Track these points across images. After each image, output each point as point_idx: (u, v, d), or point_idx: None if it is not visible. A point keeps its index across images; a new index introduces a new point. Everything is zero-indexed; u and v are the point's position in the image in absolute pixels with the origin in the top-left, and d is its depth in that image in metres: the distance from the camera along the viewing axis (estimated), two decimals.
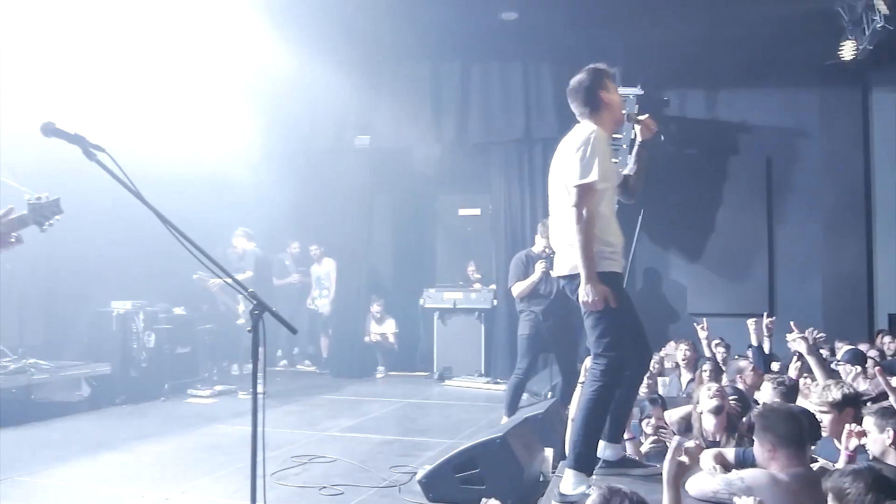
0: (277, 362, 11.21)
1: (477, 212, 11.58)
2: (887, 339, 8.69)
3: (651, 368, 6.52)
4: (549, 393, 8.31)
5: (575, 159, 3.90)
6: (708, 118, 10.87)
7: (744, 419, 4.34)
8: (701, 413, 4.47)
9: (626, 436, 4.49)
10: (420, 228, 11.77)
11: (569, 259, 4.01)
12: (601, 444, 4.07)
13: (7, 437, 6.67)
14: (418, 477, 4.85)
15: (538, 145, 10.47)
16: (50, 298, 10.44)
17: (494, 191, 10.71)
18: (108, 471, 5.53)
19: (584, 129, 4.07)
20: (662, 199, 10.00)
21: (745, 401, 4.69)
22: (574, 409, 4.59)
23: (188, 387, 9.06)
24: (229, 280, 2.98)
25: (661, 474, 3.02)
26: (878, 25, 8.59)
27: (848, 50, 9.38)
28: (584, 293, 3.77)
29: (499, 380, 9.79)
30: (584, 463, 3.84)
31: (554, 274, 4.27)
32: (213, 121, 9.62)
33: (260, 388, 8.71)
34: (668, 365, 7.89)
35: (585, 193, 3.85)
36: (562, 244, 4.05)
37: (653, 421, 5.07)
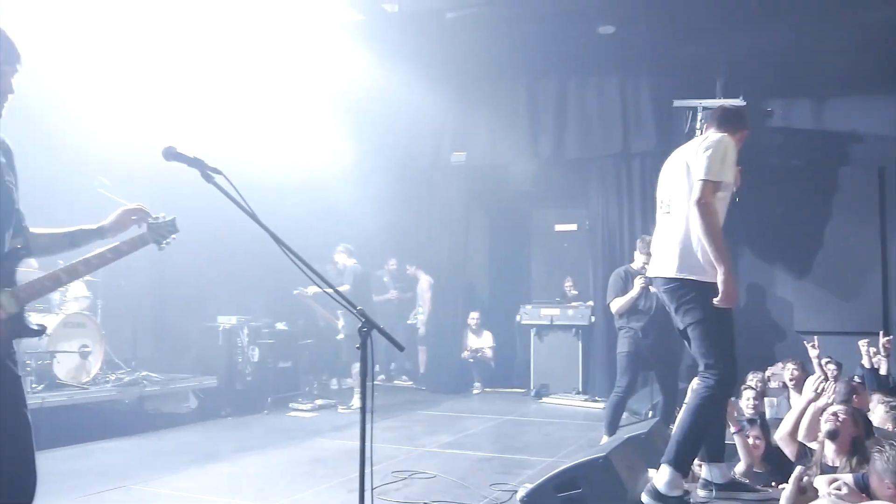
0: (375, 377, 11.35)
1: (573, 227, 11.48)
2: None
3: (754, 387, 6.32)
4: (650, 412, 8.13)
5: (705, 156, 3.90)
6: (815, 128, 10.46)
7: (865, 443, 4.15)
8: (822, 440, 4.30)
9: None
10: (516, 244, 11.75)
11: (672, 259, 3.97)
12: (704, 466, 4.00)
13: (120, 446, 6.98)
14: (520, 495, 4.80)
15: (636, 159, 10.33)
16: (160, 313, 10.88)
17: (591, 206, 10.61)
18: (217, 481, 5.70)
19: (717, 134, 4.08)
20: (767, 211, 9.69)
21: (866, 423, 4.48)
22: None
23: (289, 400, 9.28)
24: (338, 297, 3.03)
25: (774, 499, 2.91)
26: None
27: None
28: (722, 283, 3.74)
29: (597, 398, 9.64)
30: (683, 464, 3.84)
31: (653, 274, 4.20)
32: (312, 139, 9.90)
33: (357, 403, 8.90)
34: (773, 385, 7.61)
35: (713, 190, 3.84)
36: (669, 244, 4.02)
37: (751, 441, 4.93)
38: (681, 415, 4.37)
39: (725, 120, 4.27)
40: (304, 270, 2.89)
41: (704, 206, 3.80)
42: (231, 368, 8.77)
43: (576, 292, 10.87)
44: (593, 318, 10.24)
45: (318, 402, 9.20)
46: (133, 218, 2.97)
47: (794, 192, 10.04)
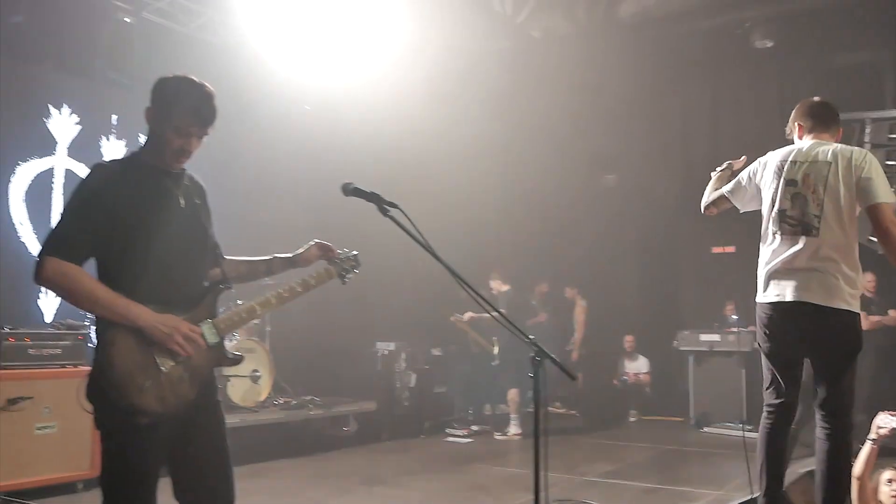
0: (529, 404, 11.29)
1: (732, 249, 11.05)
2: None
3: None
4: None
5: (881, 177, 3.75)
6: None
7: None
8: None
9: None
10: (670, 268, 11.43)
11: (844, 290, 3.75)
12: None
13: (290, 466, 7.29)
14: None
15: None
16: (320, 339, 11.31)
17: (751, 226, 10.19)
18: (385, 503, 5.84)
19: (863, 150, 3.90)
20: None
21: None
22: (859, 466, 4.23)
23: (445, 426, 9.39)
24: (509, 326, 3.07)
25: None
26: None
27: None
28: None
29: None
30: None
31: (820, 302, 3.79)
32: (463, 163, 10.08)
33: (514, 430, 8.88)
34: None
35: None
36: (837, 273, 3.76)
37: None
38: (858, 470, 4.15)
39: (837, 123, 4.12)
40: (480, 302, 2.95)
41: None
42: (389, 393, 8.98)
43: (736, 317, 10.43)
44: (756, 344, 9.78)
45: (474, 427, 9.27)
46: (321, 253, 3.14)
47: None
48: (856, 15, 8.54)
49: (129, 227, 2.53)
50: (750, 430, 9.23)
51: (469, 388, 9.98)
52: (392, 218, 2.97)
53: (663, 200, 10.93)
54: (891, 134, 9.62)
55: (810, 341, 3.88)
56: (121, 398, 2.43)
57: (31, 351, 5.93)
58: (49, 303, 8.32)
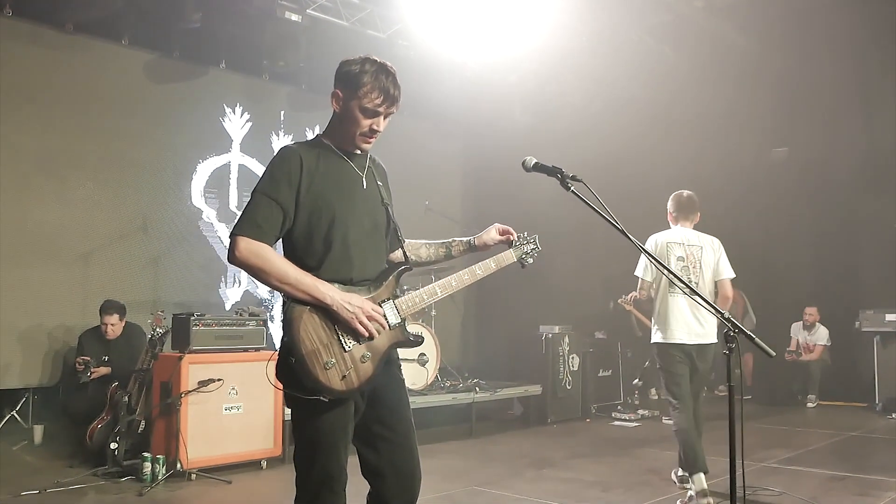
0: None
1: None
2: None
3: None
4: None
5: (725, 259, 5.71)
6: None
7: None
8: None
9: None
10: (849, 244, 10.71)
11: None
12: None
13: (460, 448, 7.40)
14: None
15: None
16: (483, 322, 11.44)
17: None
18: (556, 487, 5.81)
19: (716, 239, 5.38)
20: None
21: None
22: None
23: (611, 409, 9.27)
24: (704, 303, 2.96)
25: None
26: None
27: None
28: None
29: None
30: None
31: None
32: (630, 141, 9.88)
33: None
34: None
35: None
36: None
37: None
38: None
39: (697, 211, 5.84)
40: (670, 277, 2.85)
41: None
42: (554, 377, 8.93)
43: None
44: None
45: (641, 412, 9.08)
46: (501, 237, 3.12)
47: None
48: None
49: (314, 207, 2.61)
50: None
51: (634, 372, 9.78)
52: (575, 192, 2.91)
53: (841, 174, 10.27)
54: None
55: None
56: (306, 376, 2.49)
57: (217, 336, 6.29)
58: (231, 291, 8.86)
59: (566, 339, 9.01)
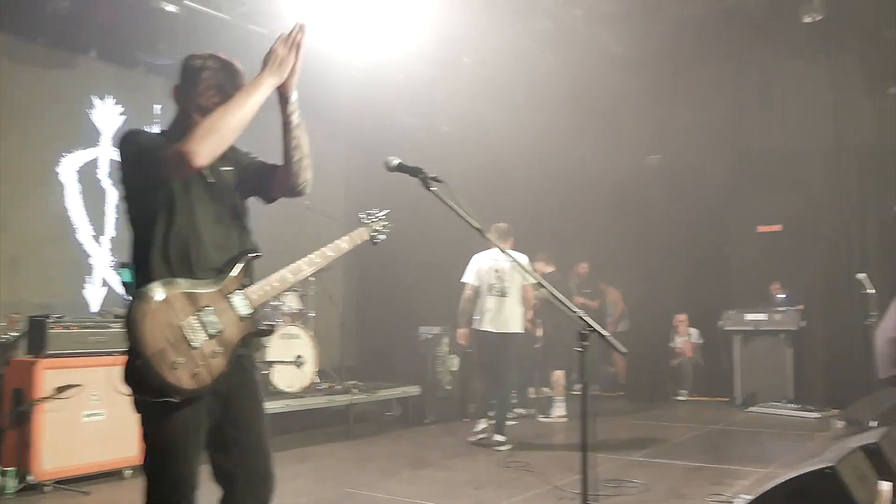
0: (572, 386, 11.22)
1: (778, 227, 10.83)
2: None
3: None
4: (875, 421, 7.49)
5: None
6: None
7: None
8: None
9: None
10: (714, 246, 11.23)
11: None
12: None
13: (335, 451, 7.33)
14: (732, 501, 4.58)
15: (849, 152, 9.69)
16: (363, 324, 11.37)
17: (800, 204, 10.04)
18: (431, 487, 5.83)
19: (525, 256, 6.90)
20: None
21: None
22: None
23: (489, 409, 9.35)
24: (563, 304, 3.01)
25: None
26: None
27: None
28: None
29: (810, 407, 9.04)
30: None
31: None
32: (505, 145, 10.01)
33: (558, 412, 8.90)
34: None
35: None
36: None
37: None
38: None
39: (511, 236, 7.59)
40: (537, 278, 2.90)
41: None
42: (433, 377, 8.97)
43: (783, 296, 10.23)
44: (804, 323, 9.63)
45: (518, 410, 9.23)
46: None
47: None
48: None
49: (155, 202, 2.53)
50: (797, 409, 9.14)
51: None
52: (436, 193, 2.92)
53: (711, 180, 10.74)
54: None
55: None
56: (154, 377, 2.40)
57: (77, 339, 5.98)
58: (96, 292, 8.46)
59: (445, 340, 9.06)
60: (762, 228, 10.61)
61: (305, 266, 2.83)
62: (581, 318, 2.94)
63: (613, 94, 10.10)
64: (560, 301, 3.13)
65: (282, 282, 2.76)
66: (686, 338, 11.01)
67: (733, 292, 10.57)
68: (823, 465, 4.39)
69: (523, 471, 6.33)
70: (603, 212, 10.88)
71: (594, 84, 9.76)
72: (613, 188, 10.79)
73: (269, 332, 2.79)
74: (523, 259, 7.02)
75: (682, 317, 11.07)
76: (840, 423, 7.83)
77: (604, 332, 2.93)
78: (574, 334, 2.94)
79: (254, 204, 2.85)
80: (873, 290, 8.60)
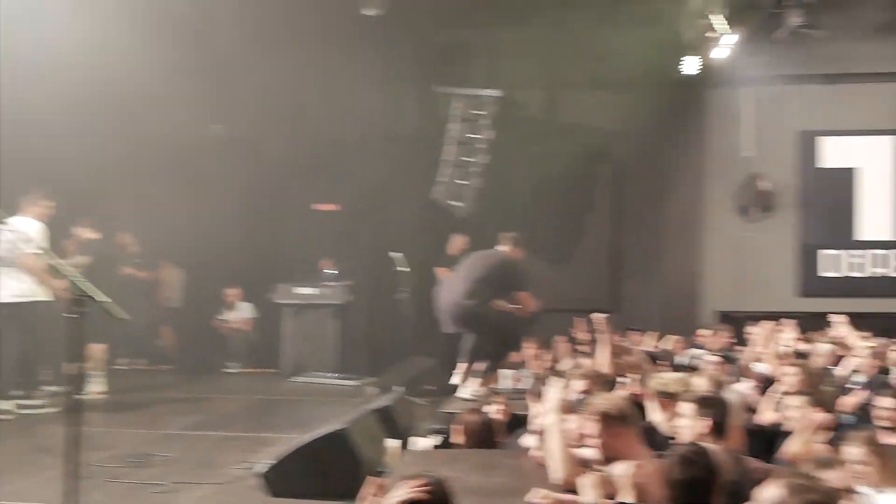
0: (115, 361, 10.62)
1: (334, 207, 11.45)
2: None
3: None
4: (401, 387, 8.32)
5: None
6: (556, 121, 11.31)
7: None
8: None
9: None
10: (272, 221, 11.49)
11: None
12: None
13: None
14: (259, 471, 4.74)
15: (399, 142, 10.60)
16: None
17: (353, 186, 10.72)
18: None
19: None
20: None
21: None
22: None
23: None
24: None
25: None
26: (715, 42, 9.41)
27: (690, 63, 10.21)
28: None
29: (351, 376, 9.72)
30: None
31: None
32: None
33: (98, 388, 8.33)
34: None
35: None
36: None
37: None
38: None
39: None
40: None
41: None
42: None
43: (334, 272, 10.83)
44: (351, 298, 10.32)
45: (52, 388, 8.46)
46: None
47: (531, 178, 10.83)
48: None
49: None
50: (339, 378, 9.77)
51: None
52: None
53: (271, 157, 10.94)
54: (476, 110, 10.78)
55: None
56: None
57: None
58: None
59: None
60: (318, 207, 11.12)
61: None
62: (75, 283, 2.78)
63: (183, 60, 9.73)
64: (62, 270, 2.93)
65: None
66: (237, 312, 11.12)
67: (287, 267, 10.93)
68: (335, 428, 4.78)
69: (43, 452, 5.82)
70: (160, 179, 10.47)
71: (163, 49, 9.29)
72: (172, 156, 10.47)
73: None
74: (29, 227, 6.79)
75: (234, 290, 11.11)
76: (373, 390, 8.49)
77: (100, 298, 2.81)
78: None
79: None
80: (407, 269, 9.60)
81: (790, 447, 4.15)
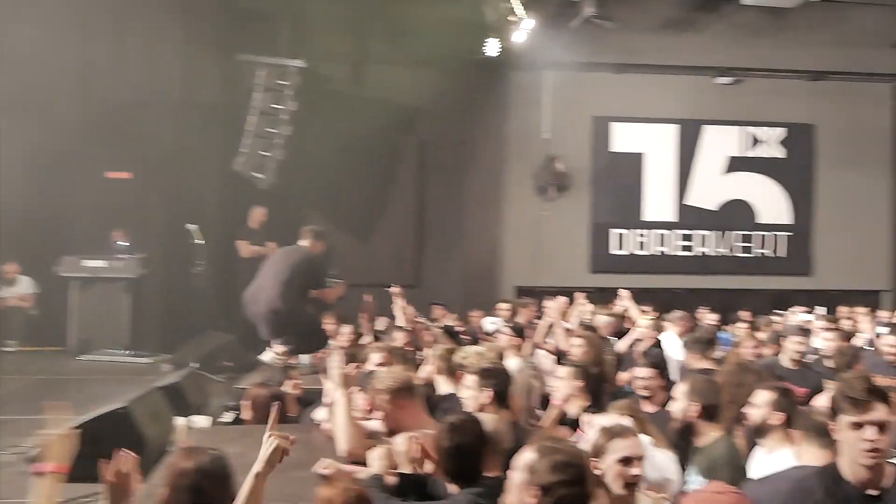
0: None
1: (128, 175, 10.83)
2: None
3: None
4: (197, 363, 8.09)
5: None
6: (361, 95, 11.34)
7: None
8: None
9: None
10: (59, 190, 10.69)
11: None
12: None
13: None
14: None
15: (199, 109, 10.20)
16: None
17: (149, 154, 10.21)
18: None
19: None
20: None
21: None
22: None
23: None
24: None
25: None
26: (515, 26, 9.76)
27: (492, 45, 10.55)
28: None
29: (144, 352, 9.31)
30: None
31: None
32: None
33: None
34: None
35: None
36: None
37: None
38: None
39: None
40: None
41: None
42: None
43: (126, 244, 10.27)
44: (145, 271, 9.84)
45: None
46: None
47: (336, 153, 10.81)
48: None
49: None
50: (131, 355, 9.33)
51: None
52: None
53: (59, 123, 10.16)
54: (280, 80, 10.57)
55: None
56: None
57: None
58: None
59: None
60: (110, 175, 10.49)
61: None
62: None
63: None
64: None
65: None
66: (16, 287, 10.33)
67: (75, 239, 10.24)
68: (114, 407, 4.58)
69: None
70: None
71: None
72: None
73: None
74: None
75: (10, 266, 10.33)
76: (167, 367, 8.20)
77: None
78: None
79: None
80: (203, 241, 9.29)
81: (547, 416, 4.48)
